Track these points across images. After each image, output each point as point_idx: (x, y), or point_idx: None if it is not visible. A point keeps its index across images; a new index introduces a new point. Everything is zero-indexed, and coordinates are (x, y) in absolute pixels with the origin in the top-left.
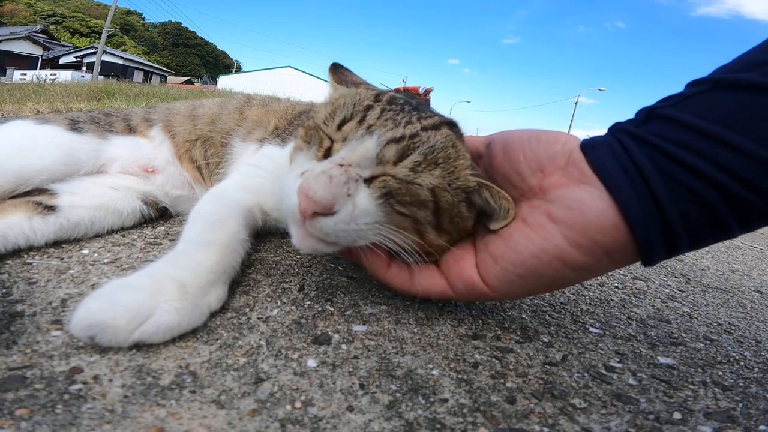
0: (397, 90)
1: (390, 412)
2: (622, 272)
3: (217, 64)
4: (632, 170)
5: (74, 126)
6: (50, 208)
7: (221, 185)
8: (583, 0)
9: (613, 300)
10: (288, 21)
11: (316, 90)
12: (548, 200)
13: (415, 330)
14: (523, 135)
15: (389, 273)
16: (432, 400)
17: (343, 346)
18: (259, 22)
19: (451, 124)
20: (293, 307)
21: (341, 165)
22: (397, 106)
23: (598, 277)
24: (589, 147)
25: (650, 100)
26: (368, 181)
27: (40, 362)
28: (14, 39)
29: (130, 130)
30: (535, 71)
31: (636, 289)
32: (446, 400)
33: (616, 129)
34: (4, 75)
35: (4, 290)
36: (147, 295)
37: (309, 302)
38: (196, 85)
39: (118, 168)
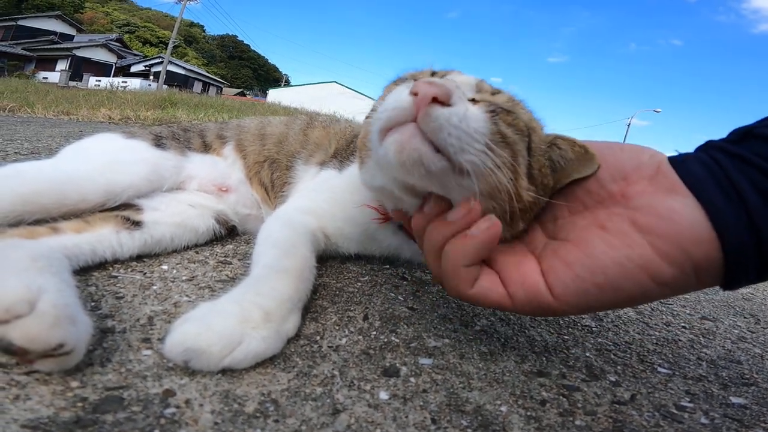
0: None
1: None
2: (688, 312)
3: (267, 77)
4: (727, 186)
5: (158, 142)
6: (136, 224)
7: (285, 208)
8: (633, 16)
9: (680, 340)
10: (335, 37)
11: (360, 106)
12: (632, 207)
13: (480, 365)
14: (600, 145)
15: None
16: None
17: (412, 379)
18: (307, 37)
19: None
20: (360, 337)
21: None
22: None
23: (664, 317)
24: (678, 161)
25: (711, 121)
26: (472, 102)
27: (134, 383)
28: (92, 46)
29: (206, 147)
30: (583, 91)
31: (704, 329)
32: None
33: (708, 146)
34: (81, 80)
35: (93, 303)
36: (236, 322)
37: (374, 332)
38: (248, 97)
39: (196, 185)
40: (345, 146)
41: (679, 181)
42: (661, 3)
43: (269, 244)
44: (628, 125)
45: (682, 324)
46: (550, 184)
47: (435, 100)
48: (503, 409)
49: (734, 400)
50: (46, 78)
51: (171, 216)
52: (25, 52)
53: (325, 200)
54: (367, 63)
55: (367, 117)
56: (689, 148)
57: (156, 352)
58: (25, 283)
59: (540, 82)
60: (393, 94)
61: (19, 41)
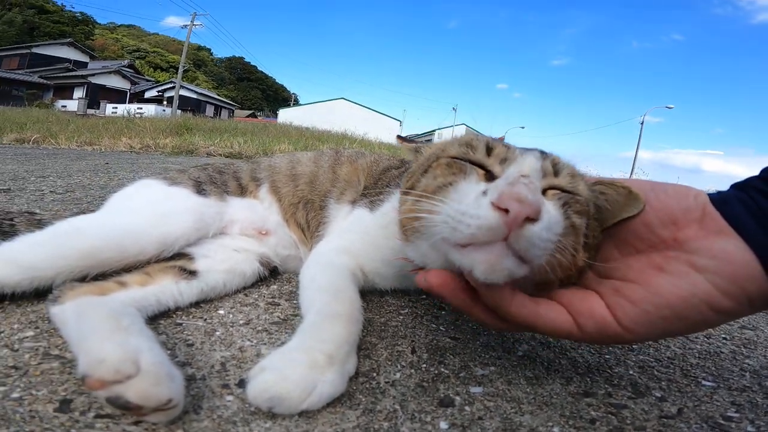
0: None
1: None
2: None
3: (276, 97)
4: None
5: (199, 188)
6: (192, 273)
7: (323, 248)
8: (631, 14)
9: (722, 352)
10: (340, 53)
11: (368, 121)
12: (688, 251)
13: (528, 390)
14: (644, 185)
15: (514, 303)
16: None
17: (467, 408)
18: (311, 55)
19: None
20: (413, 371)
21: (523, 175)
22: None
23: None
24: (720, 202)
25: (723, 113)
26: (543, 193)
27: (228, 429)
28: (106, 73)
29: (242, 189)
30: (590, 92)
31: (745, 339)
32: None
33: (746, 186)
34: (98, 108)
35: (169, 351)
36: (307, 369)
37: (424, 365)
38: (259, 118)
39: (237, 230)
40: (373, 183)
41: (725, 223)
42: None
43: (315, 288)
44: (642, 123)
45: (723, 335)
46: (600, 238)
47: (527, 219)
48: (555, 430)
49: None
50: (65, 106)
51: (221, 263)
52: (42, 80)
53: (360, 241)
54: (372, 77)
55: (404, 193)
56: (706, 142)
57: (237, 398)
58: (122, 344)
59: (546, 86)
60: (467, 198)
61: (34, 69)
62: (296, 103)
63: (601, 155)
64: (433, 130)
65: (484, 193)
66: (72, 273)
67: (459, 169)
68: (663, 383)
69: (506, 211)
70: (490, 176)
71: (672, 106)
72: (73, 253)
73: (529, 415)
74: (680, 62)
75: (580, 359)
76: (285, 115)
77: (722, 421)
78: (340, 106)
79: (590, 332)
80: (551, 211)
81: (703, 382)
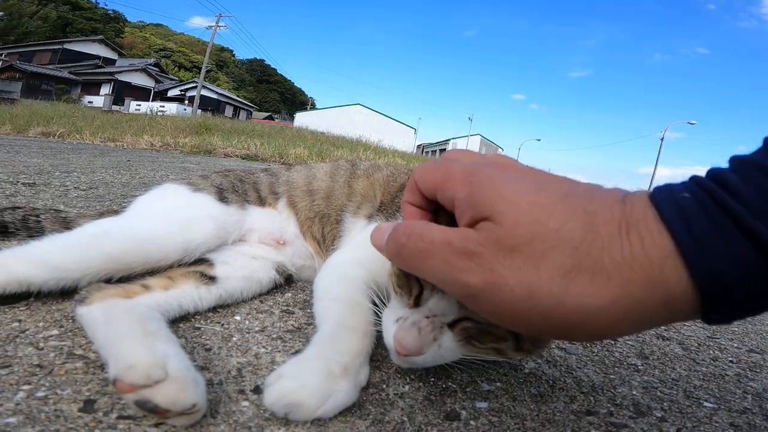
0: None
1: None
2: (736, 345)
3: (294, 100)
4: None
5: (221, 196)
6: (212, 279)
7: (337, 260)
8: (655, 26)
9: (727, 375)
10: (357, 59)
11: (384, 128)
12: None
13: (532, 407)
14: None
15: None
16: None
17: (472, 422)
18: (331, 60)
19: None
20: (421, 384)
21: (427, 317)
22: None
23: (711, 352)
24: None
25: (749, 130)
26: (452, 325)
27: None
28: (133, 70)
29: (261, 200)
30: (610, 105)
31: (752, 362)
32: None
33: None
34: (123, 105)
35: (188, 355)
36: (324, 378)
37: (432, 379)
38: (276, 121)
39: (256, 238)
40: (390, 200)
41: None
42: (680, 12)
43: (330, 299)
44: (662, 139)
45: (730, 358)
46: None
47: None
48: None
49: None
50: (91, 102)
51: (239, 269)
52: (71, 76)
53: (374, 254)
54: (388, 83)
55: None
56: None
57: (252, 404)
58: (150, 349)
59: (564, 98)
60: (392, 315)
61: (65, 65)
62: (313, 107)
63: (619, 170)
64: (448, 140)
65: (397, 320)
66: (98, 275)
67: (402, 285)
68: (665, 404)
69: None
70: (418, 300)
71: (694, 121)
72: (100, 256)
73: (531, 431)
74: (704, 76)
75: (585, 378)
76: (301, 119)
77: None
78: (356, 111)
79: None
80: (445, 344)
81: (705, 404)
